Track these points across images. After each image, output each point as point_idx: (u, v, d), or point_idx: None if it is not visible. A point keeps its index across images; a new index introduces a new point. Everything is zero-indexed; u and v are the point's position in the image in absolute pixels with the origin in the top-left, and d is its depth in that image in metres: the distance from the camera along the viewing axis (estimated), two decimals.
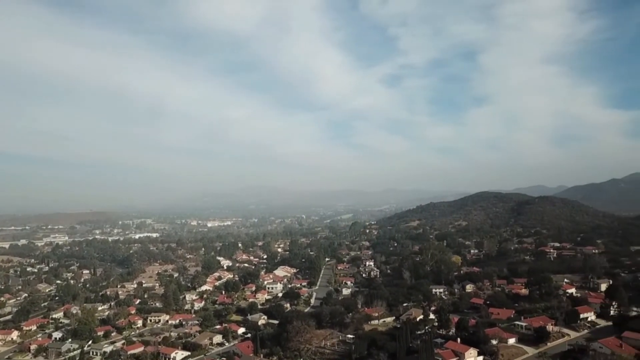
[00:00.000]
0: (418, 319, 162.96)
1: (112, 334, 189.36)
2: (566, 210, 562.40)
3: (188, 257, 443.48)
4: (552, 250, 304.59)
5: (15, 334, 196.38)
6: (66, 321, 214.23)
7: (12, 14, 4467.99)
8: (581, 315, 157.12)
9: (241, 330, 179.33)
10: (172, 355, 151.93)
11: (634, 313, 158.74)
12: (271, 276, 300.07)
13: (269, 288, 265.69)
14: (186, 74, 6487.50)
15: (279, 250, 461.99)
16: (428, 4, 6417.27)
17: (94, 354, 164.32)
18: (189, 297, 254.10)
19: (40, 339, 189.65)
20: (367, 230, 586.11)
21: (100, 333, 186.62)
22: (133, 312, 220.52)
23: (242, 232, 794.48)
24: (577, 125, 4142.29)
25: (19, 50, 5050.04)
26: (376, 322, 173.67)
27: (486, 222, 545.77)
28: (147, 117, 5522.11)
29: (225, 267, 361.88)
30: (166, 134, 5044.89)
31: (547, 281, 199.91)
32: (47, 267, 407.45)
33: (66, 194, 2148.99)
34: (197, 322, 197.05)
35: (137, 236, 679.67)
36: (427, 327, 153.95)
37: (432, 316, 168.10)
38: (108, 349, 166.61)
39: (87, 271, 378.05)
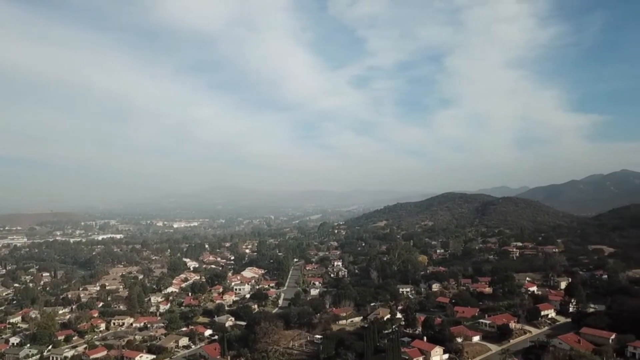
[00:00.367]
0: (385, 318, 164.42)
1: (74, 338, 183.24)
2: (528, 210, 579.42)
3: (153, 258, 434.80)
4: (514, 250, 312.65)
5: None
6: (24, 326, 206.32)
7: None
8: (542, 313, 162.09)
9: (208, 332, 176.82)
10: (137, 359, 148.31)
11: (592, 310, 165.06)
12: (239, 277, 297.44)
13: (236, 289, 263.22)
14: (154, 72, 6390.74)
15: (247, 251, 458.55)
16: (396, 6, 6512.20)
17: (55, 359, 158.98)
18: (155, 299, 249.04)
19: None
20: (336, 231, 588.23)
21: (61, 337, 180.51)
22: (96, 315, 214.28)
23: (209, 233, 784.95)
24: (539, 128, 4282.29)
25: None
26: (344, 322, 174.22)
27: (452, 222, 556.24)
28: (113, 115, 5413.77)
29: (191, 269, 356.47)
30: (132, 133, 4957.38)
31: (510, 280, 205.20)
32: (4, 270, 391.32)
33: (25, 193, 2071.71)
34: (162, 324, 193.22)
35: (100, 237, 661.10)
36: (394, 326, 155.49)
37: (399, 315, 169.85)
38: (69, 353, 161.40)
39: (47, 274, 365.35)
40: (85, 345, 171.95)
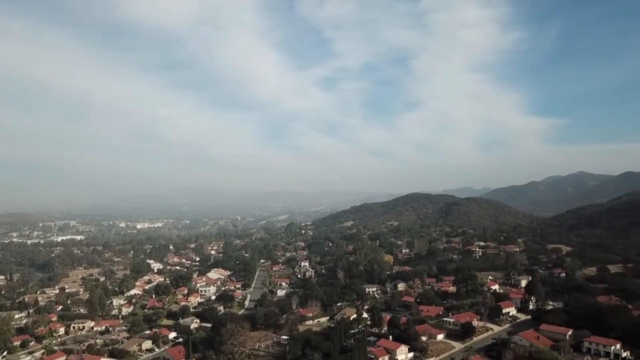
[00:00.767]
0: (352, 318, 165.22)
1: (31, 344, 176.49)
2: (490, 210, 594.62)
3: (116, 260, 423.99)
4: (477, 249, 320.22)
5: None
6: None
7: None
8: (504, 310, 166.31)
9: (172, 334, 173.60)
10: None
11: (550, 307, 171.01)
12: (204, 279, 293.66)
13: (201, 291, 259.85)
14: (117, 70, 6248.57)
15: (213, 252, 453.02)
16: (363, 9, 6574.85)
17: None
18: (117, 302, 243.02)
19: None
20: (303, 231, 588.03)
21: (17, 343, 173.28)
22: (54, 319, 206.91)
23: (174, 234, 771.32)
24: (501, 130, 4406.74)
25: None
26: (311, 322, 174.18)
27: (417, 222, 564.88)
28: (73, 113, 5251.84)
29: (155, 270, 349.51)
30: (94, 132, 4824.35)
31: (473, 279, 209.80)
32: None
33: None
34: (125, 328, 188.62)
35: (59, 239, 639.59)
36: (360, 326, 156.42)
37: (365, 315, 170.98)
38: (26, 359, 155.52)
39: (2, 277, 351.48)
40: (42, 351, 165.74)
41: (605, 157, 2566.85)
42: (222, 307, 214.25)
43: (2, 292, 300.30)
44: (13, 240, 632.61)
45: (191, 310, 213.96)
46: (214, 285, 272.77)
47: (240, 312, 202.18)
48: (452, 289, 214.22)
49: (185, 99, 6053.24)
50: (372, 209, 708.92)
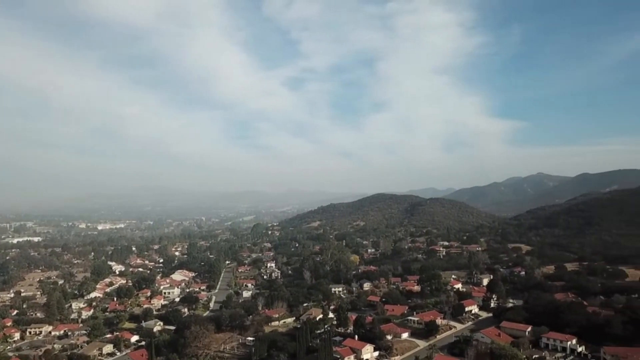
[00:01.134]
0: (318, 318, 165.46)
1: None
2: (454, 211, 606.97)
3: (75, 262, 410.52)
4: (441, 249, 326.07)
5: None
6: None
7: None
8: (466, 309, 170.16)
9: (134, 338, 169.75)
10: None
11: (511, 304, 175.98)
12: (168, 281, 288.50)
13: (165, 293, 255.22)
14: (76, 66, 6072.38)
15: (177, 253, 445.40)
16: (329, 10, 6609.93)
17: None
18: (76, 305, 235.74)
19: None
20: (269, 232, 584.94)
21: None
22: (9, 324, 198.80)
23: (137, 235, 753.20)
24: (464, 132, 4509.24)
25: None
26: (277, 323, 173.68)
27: (382, 222, 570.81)
28: (30, 109, 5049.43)
29: (117, 273, 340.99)
30: (51, 130, 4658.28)
31: (437, 278, 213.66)
32: None
33: None
34: (84, 332, 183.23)
35: (15, 240, 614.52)
36: (326, 326, 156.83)
37: (331, 315, 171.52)
38: None
39: None
40: None
41: (562, 159, 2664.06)
42: (186, 309, 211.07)
43: None
44: None
45: (154, 312, 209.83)
46: (178, 287, 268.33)
47: (205, 314, 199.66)
48: (416, 288, 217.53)
49: (149, 97, 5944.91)
50: (338, 209, 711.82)
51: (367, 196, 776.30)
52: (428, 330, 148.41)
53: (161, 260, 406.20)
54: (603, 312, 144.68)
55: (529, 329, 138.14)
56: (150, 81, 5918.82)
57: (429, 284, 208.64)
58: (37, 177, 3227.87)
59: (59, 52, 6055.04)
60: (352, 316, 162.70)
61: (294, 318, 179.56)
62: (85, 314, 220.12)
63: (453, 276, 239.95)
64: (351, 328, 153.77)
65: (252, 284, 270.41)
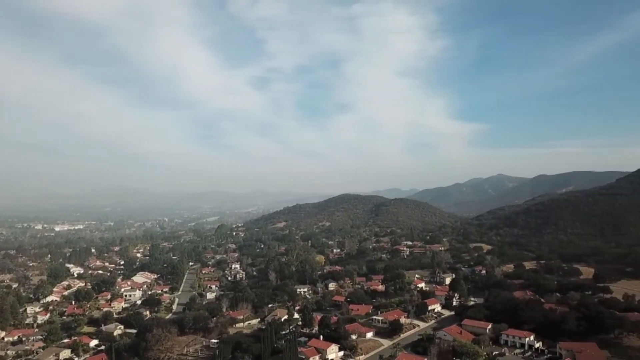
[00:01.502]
0: (283, 319, 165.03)
1: None
2: (417, 211, 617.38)
3: (31, 265, 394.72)
4: (405, 249, 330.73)
5: None
6: None
7: None
8: (429, 307, 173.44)
9: (94, 342, 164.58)
10: None
11: (472, 303, 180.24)
12: (129, 283, 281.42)
13: (126, 296, 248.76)
14: (32, 61, 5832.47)
15: (139, 255, 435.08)
16: (295, 10, 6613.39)
17: None
18: (31, 309, 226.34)
19: None
20: (234, 233, 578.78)
21: None
22: None
23: (96, 236, 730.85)
24: (428, 134, 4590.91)
25: None
26: (241, 324, 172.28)
27: (348, 223, 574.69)
28: None
29: (76, 275, 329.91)
30: (4, 126, 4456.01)
31: (401, 277, 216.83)
32: None
33: None
34: (40, 337, 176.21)
35: None
36: (291, 327, 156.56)
37: (296, 315, 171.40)
38: None
39: None
40: None
41: (522, 161, 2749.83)
42: (148, 312, 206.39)
43: None
44: None
45: (115, 316, 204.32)
46: (139, 290, 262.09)
47: (167, 317, 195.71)
48: (381, 287, 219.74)
49: (109, 95, 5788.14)
50: (304, 209, 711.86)
51: (332, 197, 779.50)
52: (392, 329, 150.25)
53: (122, 262, 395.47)
54: (559, 308, 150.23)
55: (490, 326, 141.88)
56: (110, 78, 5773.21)
57: (393, 284, 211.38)
58: None
59: (13, 48, 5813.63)
60: (318, 316, 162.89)
61: (259, 319, 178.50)
62: (41, 319, 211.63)
63: (416, 275, 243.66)
64: (316, 328, 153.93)
65: (216, 286, 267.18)
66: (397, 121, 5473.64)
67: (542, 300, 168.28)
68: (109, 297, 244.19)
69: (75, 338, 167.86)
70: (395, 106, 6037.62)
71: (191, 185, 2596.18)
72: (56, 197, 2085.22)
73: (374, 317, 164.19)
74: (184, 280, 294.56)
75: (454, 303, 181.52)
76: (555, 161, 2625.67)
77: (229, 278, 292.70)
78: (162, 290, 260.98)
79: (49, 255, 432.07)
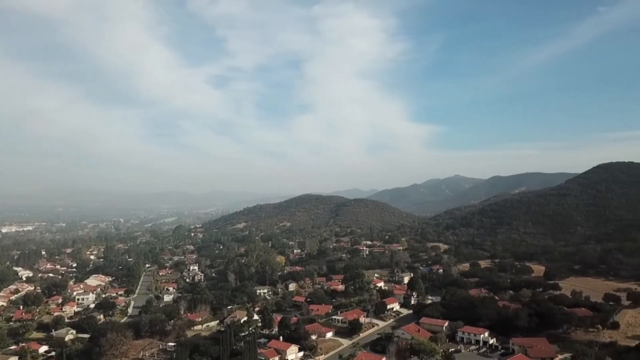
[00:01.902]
0: (242, 321, 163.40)
1: None
2: (377, 211, 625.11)
3: None
4: (365, 248, 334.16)
5: None
6: None
7: None
8: (388, 306, 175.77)
9: (43, 348, 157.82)
10: None
11: (429, 301, 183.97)
12: (82, 286, 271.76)
13: (79, 299, 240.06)
14: None
15: (92, 257, 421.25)
16: (256, 9, 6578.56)
17: None
18: None
19: None
20: (192, 234, 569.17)
21: None
22: None
23: (47, 238, 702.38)
24: (387, 135, 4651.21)
25: None
26: (200, 327, 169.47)
27: (309, 223, 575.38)
28: None
29: (24, 279, 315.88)
30: None
31: (361, 277, 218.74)
32: None
33: None
34: None
35: None
36: (251, 328, 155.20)
37: (256, 317, 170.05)
38: None
39: None
40: None
41: (477, 162, 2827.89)
42: (102, 316, 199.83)
43: None
44: None
45: (66, 320, 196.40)
46: (93, 293, 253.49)
47: (122, 320, 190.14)
48: (341, 287, 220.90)
49: (64, 91, 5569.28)
50: (265, 210, 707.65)
51: (294, 197, 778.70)
52: (352, 329, 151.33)
53: (75, 265, 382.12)
54: (512, 305, 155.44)
55: (446, 324, 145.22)
56: (63, 74, 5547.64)
57: (353, 283, 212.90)
58: None
59: None
60: (278, 317, 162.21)
61: (218, 321, 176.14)
62: None
63: (376, 275, 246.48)
64: (276, 329, 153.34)
65: (173, 288, 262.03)
66: (357, 122, 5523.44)
67: (496, 297, 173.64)
68: (60, 301, 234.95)
69: (24, 344, 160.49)
70: (355, 107, 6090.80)
71: (149, 185, 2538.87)
72: (3, 197, 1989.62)
73: (334, 317, 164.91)
74: (140, 282, 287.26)
75: (412, 302, 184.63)
76: (509, 163, 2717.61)
77: (187, 280, 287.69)
78: (117, 293, 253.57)
79: None
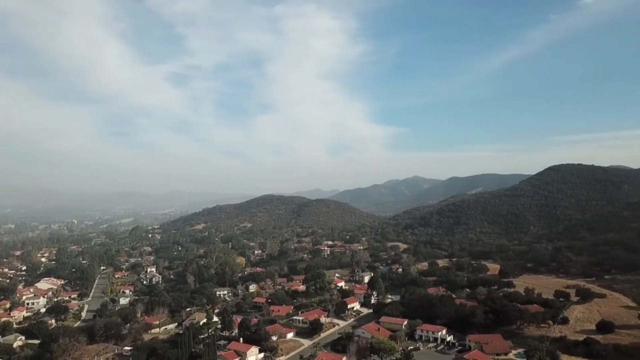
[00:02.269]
0: (201, 323, 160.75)
1: None
2: (338, 211, 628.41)
3: None
4: (326, 248, 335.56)
5: None
6: None
7: None
8: (349, 306, 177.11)
9: None
10: None
11: (389, 300, 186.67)
12: (32, 290, 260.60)
13: (28, 304, 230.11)
14: None
15: (43, 259, 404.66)
16: (216, 7, 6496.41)
17: None
18: None
19: None
20: (150, 235, 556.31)
21: None
22: None
23: None
24: (348, 136, 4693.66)
25: None
26: (157, 330, 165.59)
27: (270, 223, 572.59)
28: None
29: None
30: None
31: (322, 277, 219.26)
32: None
33: None
34: None
35: None
36: (210, 330, 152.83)
37: (216, 319, 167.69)
38: None
39: None
40: None
41: (435, 163, 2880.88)
42: (53, 321, 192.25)
43: None
44: None
45: (15, 326, 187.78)
46: (44, 297, 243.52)
47: (75, 325, 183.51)
48: (302, 287, 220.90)
49: (9, 87, 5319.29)
50: (225, 210, 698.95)
51: (255, 197, 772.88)
52: (313, 329, 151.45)
53: (24, 268, 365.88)
54: (469, 303, 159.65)
55: (406, 322, 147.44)
56: (12, 69, 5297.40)
57: (314, 283, 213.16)
58: None
59: None
60: (238, 319, 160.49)
61: (177, 324, 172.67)
62: None
63: (337, 275, 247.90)
64: (236, 331, 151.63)
65: (130, 290, 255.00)
66: (319, 123, 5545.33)
67: (454, 295, 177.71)
68: (8, 305, 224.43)
69: None
70: (317, 108, 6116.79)
71: (104, 185, 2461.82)
72: None
73: (295, 317, 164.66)
74: (94, 285, 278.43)
75: (373, 301, 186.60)
76: (466, 164, 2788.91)
77: (145, 282, 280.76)
78: (70, 297, 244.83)
79: None
